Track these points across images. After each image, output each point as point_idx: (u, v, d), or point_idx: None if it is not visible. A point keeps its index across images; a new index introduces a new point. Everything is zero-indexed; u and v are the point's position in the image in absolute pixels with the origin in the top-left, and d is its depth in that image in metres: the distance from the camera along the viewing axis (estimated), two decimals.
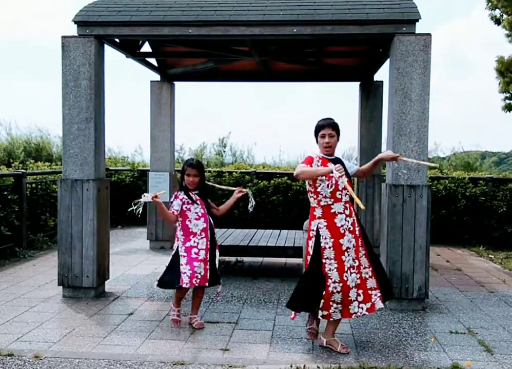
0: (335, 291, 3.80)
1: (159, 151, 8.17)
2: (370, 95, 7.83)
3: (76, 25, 5.19)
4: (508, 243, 8.53)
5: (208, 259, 4.34)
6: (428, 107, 4.93)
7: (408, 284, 4.95)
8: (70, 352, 3.81)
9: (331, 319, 3.90)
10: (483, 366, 3.67)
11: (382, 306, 3.91)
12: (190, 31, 5.15)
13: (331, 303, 3.82)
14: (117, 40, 5.79)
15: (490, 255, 7.97)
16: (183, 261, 4.28)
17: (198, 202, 4.34)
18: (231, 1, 5.40)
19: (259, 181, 9.54)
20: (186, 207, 4.33)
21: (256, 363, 3.67)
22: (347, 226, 3.86)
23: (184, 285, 4.24)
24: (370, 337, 4.23)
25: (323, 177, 3.83)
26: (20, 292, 5.45)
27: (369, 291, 3.87)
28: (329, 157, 3.97)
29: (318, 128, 3.97)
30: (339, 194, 3.86)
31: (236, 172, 9.82)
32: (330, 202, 3.86)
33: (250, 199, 4.53)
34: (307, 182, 3.98)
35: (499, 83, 11.32)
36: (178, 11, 5.22)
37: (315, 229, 3.89)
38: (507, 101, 11.61)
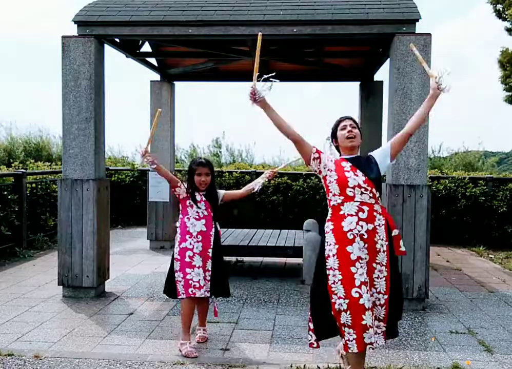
0: (342, 309, 3.04)
1: (159, 151, 8.16)
2: (370, 95, 7.84)
3: (76, 25, 5.19)
4: (508, 243, 8.53)
5: (209, 268, 3.91)
6: None
7: (408, 284, 4.95)
8: (70, 352, 3.81)
9: (349, 351, 3.06)
10: (483, 365, 3.67)
11: (384, 344, 3.24)
12: (190, 30, 5.15)
13: (343, 327, 3.06)
14: (117, 40, 5.79)
15: (490, 255, 7.97)
16: (176, 266, 3.91)
17: (202, 203, 3.96)
18: (231, 1, 5.40)
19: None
20: (189, 203, 3.94)
21: (256, 362, 3.67)
22: (359, 231, 3.12)
23: (181, 296, 3.86)
24: None
25: (332, 166, 3.25)
26: (20, 292, 5.45)
27: (374, 321, 3.13)
28: (347, 156, 3.31)
29: (338, 122, 3.39)
30: (351, 191, 3.16)
31: (236, 172, 9.82)
32: (340, 201, 3.19)
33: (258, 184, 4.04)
34: (321, 177, 3.35)
35: (500, 75, 11.39)
36: (178, 11, 5.22)
37: (323, 232, 3.29)
38: (506, 93, 11.65)
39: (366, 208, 3.16)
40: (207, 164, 3.97)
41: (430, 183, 8.57)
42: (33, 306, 4.96)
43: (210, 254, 3.94)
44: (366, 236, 3.13)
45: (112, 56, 19.61)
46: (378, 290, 3.15)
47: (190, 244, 3.89)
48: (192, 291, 3.81)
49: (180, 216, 4.01)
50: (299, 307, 5.01)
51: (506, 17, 10.97)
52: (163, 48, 7.32)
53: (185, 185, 3.98)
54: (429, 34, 4.91)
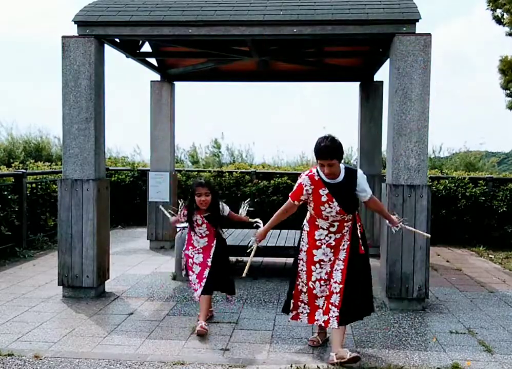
0: (302, 291, 3.91)
1: (159, 151, 8.17)
2: (370, 95, 7.83)
3: (76, 25, 5.19)
4: (508, 243, 8.53)
5: (206, 276, 4.37)
6: (428, 107, 4.93)
7: (408, 284, 4.95)
8: (70, 352, 3.81)
9: (299, 320, 3.98)
10: (483, 366, 3.67)
11: (336, 327, 3.67)
12: (190, 31, 5.15)
13: (299, 302, 3.94)
14: (117, 40, 5.79)
15: (490, 255, 7.97)
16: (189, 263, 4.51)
17: (204, 225, 4.40)
18: (231, 1, 5.39)
19: (259, 181, 9.54)
20: (194, 221, 4.43)
21: (256, 363, 3.67)
22: (327, 241, 3.79)
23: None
24: (370, 337, 4.23)
25: (310, 191, 3.74)
26: (20, 292, 5.45)
27: (330, 305, 3.73)
28: (328, 181, 3.70)
29: (316, 156, 3.64)
30: (325, 216, 3.73)
31: (236, 172, 9.82)
32: (317, 217, 3.80)
33: (245, 206, 4.61)
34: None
35: (500, 80, 11.41)
36: (178, 11, 5.22)
37: (302, 226, 3.99)
38: (508, 99, 11.66)
39: (336, 224, 3.77)
40: (206, 184, 4.32)
41: (430, 183, 8.57)
42: (33, 306, 4.96)
43: (209, 264, 4.39)
44: (333, 244, 3.79)
45: (112, 56, 19.61)
46: (335, 280, 3.75)
47: (191, 253, 4.46)
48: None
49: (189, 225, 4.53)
50: None
51: (504, 22, 10.97)
52: (163, 48, 7.33)
53: (181, 211, 4.45)
54: (429, 34, 4.91)
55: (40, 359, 3.67)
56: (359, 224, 3.87)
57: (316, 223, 3.81)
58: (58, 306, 4.99)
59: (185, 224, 4.50)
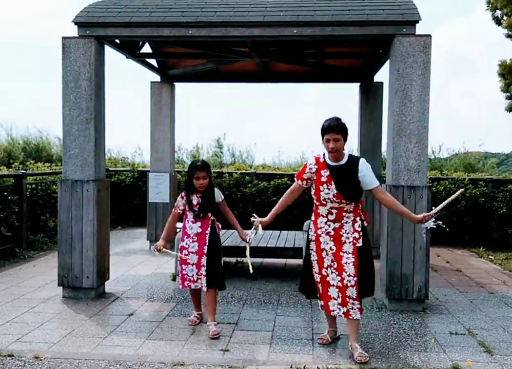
0: (317, 281, 4.00)
1: (159, 152, 8.17)
2: (370, 96, 7.83)
3: (76, 26, 5.20)
4: (508, 244, 8.53)
5: (204, 264, 4.29)
6: (428, 108, 4.94)
7: (408, 285, 4.95)
8: (70, 353, 3.81)
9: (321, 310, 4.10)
10: (483, 366, 3.67)
11: (360, 318, 3.86)
12: (190, 32, 5.15)
13: (319, 294, 4.04)
14: (117, 41, 5.80)
15: (490, 256, 7.97)
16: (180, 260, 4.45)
17: (198, 206, 4.35)
18: (231, 2, 5.40)
19: (259, 182, 9.54)
20: (187, 208, 4.41)
21: (256, 363, 3.67)
22: (326, 229, 3.91)
23: (180, 287, 4.43)
24: (370, 338, 4.23)
25: (314, 175, 3.92)
26: (20, 293, 5.45)
27: (347, 299, 3.82)
28: (332, 163, 3.88)
29: (323, 131, 3.84)
30: (323, 200, 3.88)
31: (236, 173, 9.82)
32: (317, 204, 3.97)
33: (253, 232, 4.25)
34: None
35: (500, 82, 11.42)
36: (178, 12, 5.23)
37: (310, 220, 4.11)
38: (508, 101, 11.65)
39: (334, 211, 3.88)
40: (203, 167, 4.31)
41: (430, 184, 8.57)
42: (33, 307, 4.96)
43: (205, 251, 4.32)
44: (332, 233, 3.89)
45: (113, 57, 19.62)
46: (348, 273, 3.81)
47: (186, 244, 4.38)
48: (187, 284, 4.36)
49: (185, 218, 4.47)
50: (299, 308, 5.02)
51: (504, 25, 10.97)
52: (163, 49, 7.33)
53: (180, 199, 4.43)
54: (429, 35, 4.91)
55: (40, 360, 3.67)
56: (363, 217, 3.95)
57: (318, 211, 3.97)
58: (58, 306, 4.99)
59: (181, 225, 4.49)
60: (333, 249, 3.88)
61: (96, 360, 3.67)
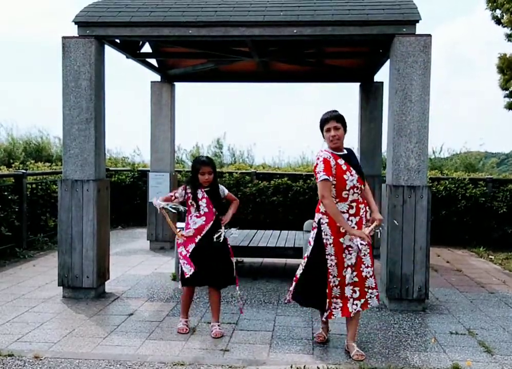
0: (334, 285, 3.86)
1: (159, 152, 8.17)
2: (370, 96, 7.83)
3: (76, 25, 5.20)
4: (508, 244, 8.53)
5: (188, 252, 4.19)
6: (428, 108, 4.94)
7: (408, 285, 4.95)
8: (70, 353, 3.81)
9: (332, 317, 3.90)
10: (483, 366, 3.67)
11: (377, 304, 3.95)
12: (190, 31, 5.15)
13: (333, 299, 3.87)
14: (117, 40, 5.80)
15: (490, 256, 7.97)
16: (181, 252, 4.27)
17: (204, 200, 4.21)
18: (231, 2, 5.40)
19: (259, 182, 9.54)
20: (191, 203, 4.23)
21: (256, 363, 3.67)
22: (350, 225, 3.80)
23: (180, 287, 4.36)
24: (370, 338, 4.23)
25: (334, 169, 3.74)
26: (20, 293, 5.45)
27: (365, 289, 3.86)
28: (339, 153, 3.86)
29: (322, 123, 3.87)
30: (346, 194, 3.77)
31: (236, 172, 9.82)
32: (338, 200, 3.80)
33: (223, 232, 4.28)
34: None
35: (499, 79, 11.37)
36: (178, 12, 5.23)
37: (317, 222, 3.91)
38: (507, 99, 11.62)
39: (354, 204, 3.82)
40: (209, 163, 4.24)
41: (430, 184, 8.57)
42: (33, 307, 4.96)
43: (197, 240, 4.19)
44: (356, 228, 3.81)
45: (113, 57, 19.62)
46: (366, 265, 3.85)
47: (187, 233, 4.23)
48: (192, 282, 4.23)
49: (187, 213, 4.32)
50: (299, 308, 5.01)
51: (504, 23, 10.95)
52: (163, 49, 7.33)
53: (181, 190, 4.26)
54: (429, 35, 4.91)
55: (40, 360, 3.67)
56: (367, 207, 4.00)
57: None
58: (58, 306, 4.99)
59: (183, 224, 4.43)
60: (356, 245, 3.78)
61: (96, 360, 3.67)
